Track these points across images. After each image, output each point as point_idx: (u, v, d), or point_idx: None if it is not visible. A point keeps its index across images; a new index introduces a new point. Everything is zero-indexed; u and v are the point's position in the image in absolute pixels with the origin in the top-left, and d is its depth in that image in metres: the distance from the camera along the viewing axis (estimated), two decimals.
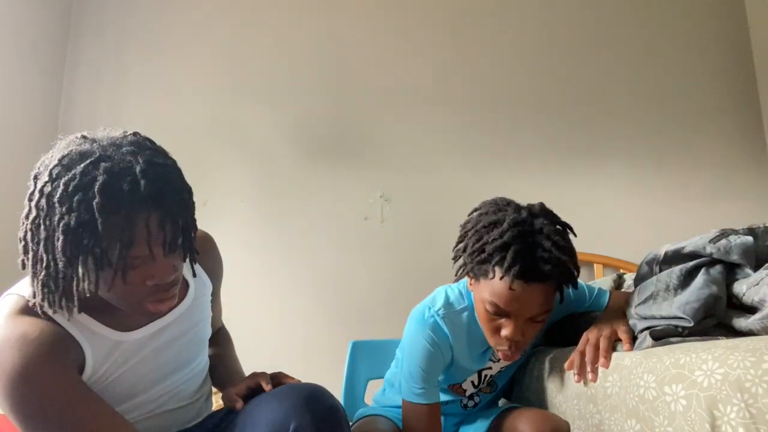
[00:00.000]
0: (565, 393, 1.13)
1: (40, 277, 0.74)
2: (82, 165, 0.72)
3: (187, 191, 0.81)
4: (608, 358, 0.97)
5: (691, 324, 0.89)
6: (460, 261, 1.09)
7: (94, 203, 0.70)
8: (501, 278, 0.99)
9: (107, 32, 2.45)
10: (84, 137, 0.78)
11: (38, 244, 0.73)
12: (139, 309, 0.81)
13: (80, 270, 0.73)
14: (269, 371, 0.98)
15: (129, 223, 0.72)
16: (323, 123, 2.41)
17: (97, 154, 0.73)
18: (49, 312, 0.77)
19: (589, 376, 0.98)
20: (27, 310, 0.78)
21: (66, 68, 2.40)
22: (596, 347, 1.01)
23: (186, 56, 2.44)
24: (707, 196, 2.39)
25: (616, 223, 2.35)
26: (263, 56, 2.45)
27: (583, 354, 1.03)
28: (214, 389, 1.11)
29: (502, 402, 1.41)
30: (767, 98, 2.48)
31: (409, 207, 2.34)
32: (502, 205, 1.07)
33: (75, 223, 0.70)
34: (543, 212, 1.05)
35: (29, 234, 0.74)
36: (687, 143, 2.44)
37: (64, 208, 0.71)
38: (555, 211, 1.10)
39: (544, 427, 1.06)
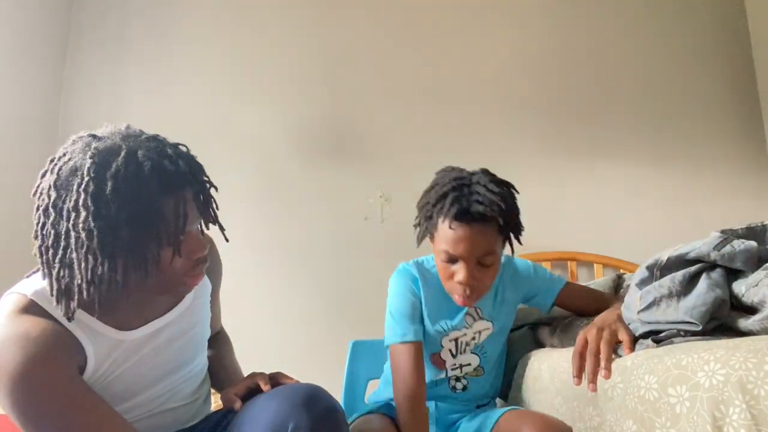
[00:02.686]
0: (565, 394, 1.13)
1: (89, 277, 0.74)
2: (120, 157, 0.74)
3: (202, 166, 0.87)
4: (609, 368, 0.95)
5: (700, 328, 0.89)
6: (417, 225, 1.23)
7: (150, 187, 0.74)
8: (443, 223, 1.12)
9: (107, 32, 2.44)
10: (92, 136, 0.79)
11: (92, 242, 0.73)
12: (178, 286, 0.85)
13: (146, 255, 0.76)
14: (269, 371, 0.98)
15: (181, 199, 0.78)
16: (323, 123, 2.40)
17: (124, 145, 0.76)
18: (83, 312, 0.78)
19: (590, 386, 0.97)
20: (29, 309, 0.77)
21: (66, 68, 2.40)
22: (596, 354, 0.99)
23: (186, 56, 2.43)
24: (707, 196, 2.39)
25: (616, 223, 2.35)
26: (263, 56, 2.45)
27: (582, 357, 1.02)
28: (212, 390, 1.11)
29: (500, 403, 1.40)
30: (767, 98, 2.48)
31: (409, 207, 2.31)
32: (447, 170, 1.21)
33: (135, 211, 0.73)
34: (482, 171, 1.18)
35: (72, 238, 0.73)
36: (687, 143, 2.44)
37: (120, 200, 0.73)
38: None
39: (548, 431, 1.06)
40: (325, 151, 2.38)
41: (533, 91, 2.46)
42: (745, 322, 0.89)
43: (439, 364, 1.28)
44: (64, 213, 0.74)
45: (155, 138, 0.81)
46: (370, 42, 2.48)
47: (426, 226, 1.19)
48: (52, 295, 0.76)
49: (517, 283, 1.33)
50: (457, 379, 1.30)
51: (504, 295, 1.31)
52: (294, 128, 2.39)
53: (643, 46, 2.51)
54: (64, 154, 0.77)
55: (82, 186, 0.73)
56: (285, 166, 2.36)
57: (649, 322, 0.98)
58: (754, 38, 2.54)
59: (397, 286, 1.27)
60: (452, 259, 1.14)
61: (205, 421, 1.00)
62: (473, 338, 1.28)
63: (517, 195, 1.20)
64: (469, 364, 1.30)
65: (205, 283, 1.04)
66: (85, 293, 0.75)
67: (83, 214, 0.72)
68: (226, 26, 2.47)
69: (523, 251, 2.30)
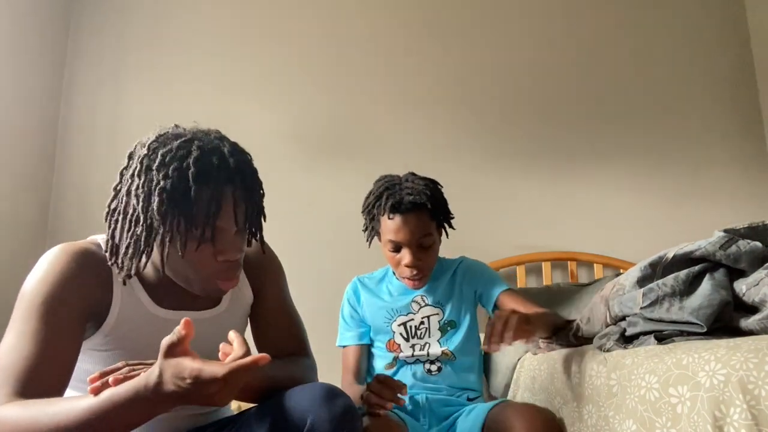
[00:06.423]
0: (564, 395, 1.13)
1: (130, 239, 0.82)
2: (177, 141, 0.83)
3: (260, 180, 0.91)
4: (511, 337, 0.96)
5: (705, 330, 0.89)
6: (365, 230, 1.43)
7: (189, 173, 0.80)
8: (384, 218, 1.33)
9: (107, 32, 2.44)
10: (176, 126, 0.89)
11: (138, 205, 0.81)
12: (207, 285, 0.88)
13: (171, 230, 0.81)
14: None
15: (217, 193, 0.82)
16: (323, 123, 2.40)
17: (190, 135, 0.86)
18: (126, 265, 0.84)
19: (493, 347, 0.97)
20: (88, 251, 0.87)
21: (66, 68, 2.40)
22: (505, 323, 0.99)
23: (186, 56, 2.43)
24: (707, 196, 2.39)
25: (616, 224, 2.35)
26: (263, 56, 2.45)
27: (493, 326, 1.01)
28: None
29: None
30: (767, 98, 2.48)
31: None
32: (380, 178, 1.42)
33: (170, 188, 0.80)
34: (409, 173, 1.41)
35: (132, 200, 0.82)
36: (687, 143, 2.43)
37: (161, 175, 0.80)
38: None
39: (536, 420, 1.09)
40: (326, 151, 2.38)
41: (532, 92, 2.46)
42: (746, 322, 0.89)
43: (395, 349, 1.42)
44: (125, 179, 0.85)
45: (221, 138, 0.89)
46: (371, 43, 2.48)
47: (372, 226, 1.40)
48: (116, 252, 0.85)
49: (470, 278, 1.46)
50: (431, 362, 1.40)
51: (458, 287, 1.45)
52: (294, 128, 2.39)
53: (643, 46, 2.51)
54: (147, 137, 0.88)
55: (142, 157, 0.83)
56: (285, 166, 2.35)
57: (651, 319, 0.98)
58: (754, 38, 2.54)
59: (343, 300, 1.52)
60: (397, 248, 1.33)
61: (220, 418, 0.99)
62: (422, 322, 1.42)
63: (441, 189, 1.42)
64: (443, 355, 1.40)
65: (246, 293, 1.05)
66: (131, 252, 0.83)
67: (137, 181, 0.82)
68: (226, 27, 2.47)
69: (523, 251, 2.32)
